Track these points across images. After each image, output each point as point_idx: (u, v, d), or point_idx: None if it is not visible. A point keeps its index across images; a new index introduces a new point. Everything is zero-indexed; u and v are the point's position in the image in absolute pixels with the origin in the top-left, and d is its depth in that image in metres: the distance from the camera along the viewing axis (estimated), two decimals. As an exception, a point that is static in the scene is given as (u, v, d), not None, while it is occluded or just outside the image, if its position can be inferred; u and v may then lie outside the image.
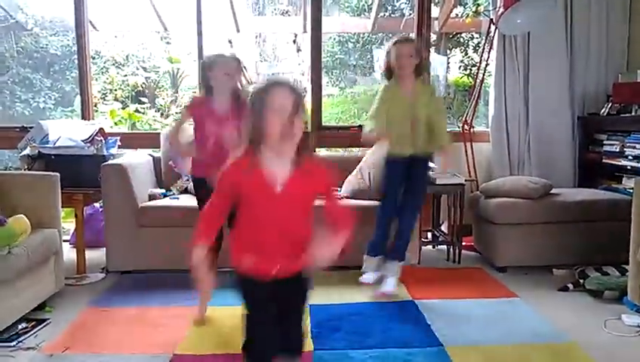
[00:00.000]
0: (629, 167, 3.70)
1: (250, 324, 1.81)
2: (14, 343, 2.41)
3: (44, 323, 2.63)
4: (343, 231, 1.68)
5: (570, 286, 3.14)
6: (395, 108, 2.99)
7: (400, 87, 3.01)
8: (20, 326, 2.56)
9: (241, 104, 2.60)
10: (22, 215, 2.57)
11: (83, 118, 4.31)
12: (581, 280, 3.14)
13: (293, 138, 1.57)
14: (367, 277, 3.14)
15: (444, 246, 3.92)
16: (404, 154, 3.00)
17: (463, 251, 3.81)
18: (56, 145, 3.54)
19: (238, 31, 6.47)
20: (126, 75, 7.54)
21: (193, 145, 2.68)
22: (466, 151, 4.18)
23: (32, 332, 2.53)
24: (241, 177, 1.61)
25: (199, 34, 4.33)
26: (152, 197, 3.54)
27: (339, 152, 4.93)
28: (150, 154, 3.94)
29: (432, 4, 4.46)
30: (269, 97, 1.55)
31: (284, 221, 1.65)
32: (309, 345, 2.41)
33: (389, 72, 3.06)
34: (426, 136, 3.01)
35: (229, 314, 2.78)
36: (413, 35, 4.36)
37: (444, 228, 4.11)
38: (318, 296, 3.02)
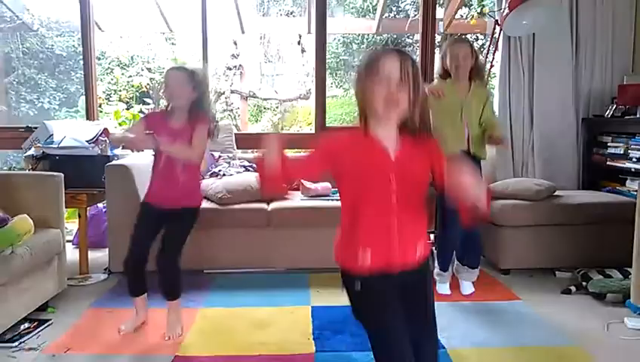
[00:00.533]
0: (633, 169, 3.69)
1: (382, 340, 1.50)
2: (17, 343, 2.42)
3: (47, 324, 2.64)
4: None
5: (573, 288, 3.13)
6: (449, 108, 2.98)
7: (455, 88, 3.00)
8: (22, 327, 2.57)
9: (195, 119, 2.50)
10: (25, 215, 2.58)
11: (87, 118, 4.33)
12: (584, 283, 3.13)
13: (398, 106, 1.43)
14: (443, 287, 3.15)
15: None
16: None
17: (467, 253, 3.80)
18: (61, 145, 3.55)
19: (242, 32, 6.48)
20: (131, 76, 7.56)
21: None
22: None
23: (34, 332, 2.54)
24: (347, 146, 1.47)
25: (204, 35, 4.34)
26: (155, 198, 3.54)
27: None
28: (154, 155, 3.94)
29: (437, 5, 4.46)
30: (374, 64, 1.44)
31: (402, 192, 1.45)
32: (311, 346, 2.41)
33: (445, 74, 3.05)
34: (478, 140, 3.02)
35: (230, 314, 2.78)
36: (418, 37, 4.35)
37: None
38: (321, 298, 3.02)
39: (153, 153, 2.60)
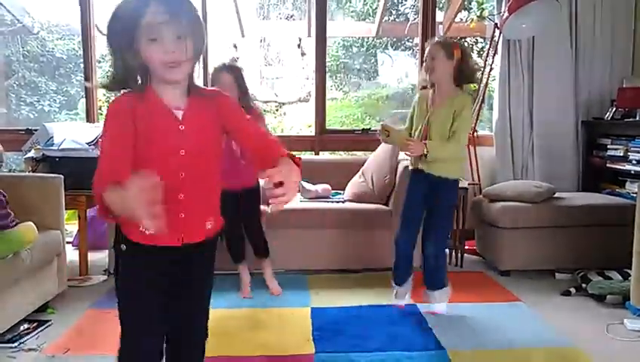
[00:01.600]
0: (632, 172, 3.69)
1: (132, 315, 1.53)
2: (16, 344, 2.42)
3: (46, 325, 2.64)
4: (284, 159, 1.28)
5: (573, 290, 3.13)
6: (417, 120, 2.75)
7: (431, 96, 2.71)
8: (22, 328, 2.57)
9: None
10: (31, 222, 2.57)
11: (88, 120, 4.34)
12: (584, 285, 3.13)
13: (181, 65, 1.31)
14: (399, 301, 2.90)
15: (447, 250, 3.90)
16: (420, 169, 2.73)
17: (466, 255, 3.81)
18: (61, 147, 3.55)
19: (243, 35, 6.49)
20: (131, 79, 7.56)
21: None
22: (469, 155, 4.18)
23: (33, 333, 2.54)
24: (135, 107, 1.33)
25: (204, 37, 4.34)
26: (155, 200, 3.54)
27: (342, 156, 4.93)
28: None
29: (437, 9, 4.47)
30: (140, 17, 1.27)
31: (190, 164, 1.35)
32: (310, 347, 2.41)
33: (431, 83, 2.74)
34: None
35: (230, 315, 2.78)
36: (418, 40, 4.36)
37: (447, 232, 4.10)
38: (320, 299, 3.02)
39: None
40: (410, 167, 2.85)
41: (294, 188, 1.22)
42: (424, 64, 2.69)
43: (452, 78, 2.65)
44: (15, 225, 2.46)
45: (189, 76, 1.38)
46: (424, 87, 2.80)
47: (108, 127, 1.34)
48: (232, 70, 2.77)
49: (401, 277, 2.86)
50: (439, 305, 2.83)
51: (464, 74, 2.65)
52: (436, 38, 2.71)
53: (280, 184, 1.21)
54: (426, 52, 2.68)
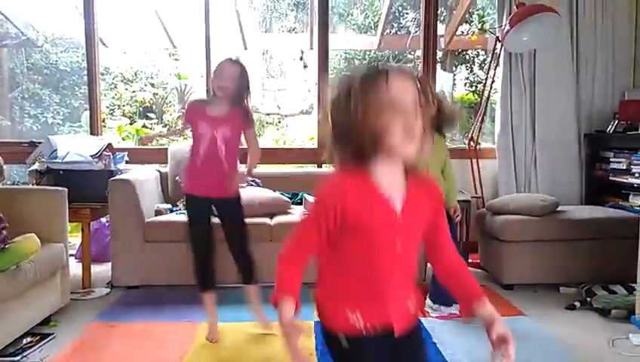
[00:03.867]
0: (635, 185, 3.69)
1: None
2: (19, 357, 2.41)
3: (49, 338, 2.63)
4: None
5: (578, 304, 3.12)
6: None
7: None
8: (24, 341, 2.56)
9: (236, 111, 2.62)
10: (33, 234, 2.58)
11: (91, 133, 4.35)
12: (588, 299, 3.11)
13: (417, 142, 1.15)
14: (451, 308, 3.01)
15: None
16: None
17: (470, 268, 3.79)
18: (65, 160, 3.57)
19: (245, 48, 6.53)
20: (134, 91, 7.61)
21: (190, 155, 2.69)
22: (472, 168, 4.18)
23: (36, 346, 2.53)
24: (350, 200, 1.15)
25: (207, 51, 4.38)
26: (158, 213, 3.55)
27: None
28: (157, 170, 3.96)
29: (438, 22, 4.50)
30: (384, 86, 1.12)
31: (405, 254, 1.22)
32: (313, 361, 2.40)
33: None
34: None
35: (233, 330, 2.77)
36: (420, 53, 4.38)
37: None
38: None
39: (192, 139, 2.68)
40: None
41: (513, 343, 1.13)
42: None
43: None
44: (7, 246, 2.43)
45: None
46: None
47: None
48: (237, 63, 2.69)
49: None
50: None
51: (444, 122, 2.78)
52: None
53: (504, 339, 1.14)
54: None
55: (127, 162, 3.88)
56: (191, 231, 2.67)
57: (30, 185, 3.52)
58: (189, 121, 2.67)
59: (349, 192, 1.16)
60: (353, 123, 1.13)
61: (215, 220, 2.71)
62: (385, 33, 6.57)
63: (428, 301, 3.07)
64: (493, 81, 4.28)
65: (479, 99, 4.14)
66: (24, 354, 2.45)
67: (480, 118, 4.28)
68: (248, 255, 2.71)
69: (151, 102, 7.65)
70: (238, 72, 2.62)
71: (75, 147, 3.70)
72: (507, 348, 1.12)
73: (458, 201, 3.59)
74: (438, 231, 1.29)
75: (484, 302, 1.22)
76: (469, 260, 3.80)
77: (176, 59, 8.01)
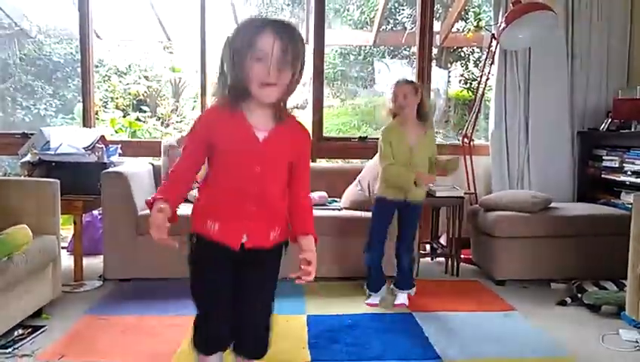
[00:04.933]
0: (628, 183, 3.71)
1: (202, 295, 1.64)
2: (10, 350, 2.39)
3: (41, 330, 2.62)
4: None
5: (569, 300, 3.14)
6: (398, 150, 2.94)
7: (404, 133, 2.95)
8: (16, 333, 2.55)
9: None
10: (24, 225, 2.56)
11: (84, 125, 4.33)
12: (579, 295, 3.13)
13: (277, 88, 1.44)
14: (373, 299, 3.12)
15: (443, 259, 3.92)
16: (398, 198, 2.98)
17: (462, 264, 3.82)
18: (57, 152, 3.54)
19: (240, 42, 6.50)
20: (128, 84, 7.57)
21: None
22: (465, 165, 4.19)
23: (28, 339, 2.52)
24: (220, 120, 1.48)
25: (202, 44, 4.36)
26: (151, 206, 3.53)
27: (339, 163, 4.94)
28: (151, 163, 3.95)
29: (434, 19, 4.50)
30: (252, 39, 1.39)
31: (263, 179, 1.51)
32: (306, 355, 2.41)
33: (393, 114, 3.02)
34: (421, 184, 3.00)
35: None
36: (415, 49, 4.39)
37: (442, 240, 4.11)
38: (317, 307, 3.02)
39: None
40: (390, 198, 3.00)
41: (315, 267, 1.58)
42: (397, 101, 2.94)
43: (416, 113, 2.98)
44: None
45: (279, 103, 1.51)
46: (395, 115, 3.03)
47: (193, 134, 1.55)
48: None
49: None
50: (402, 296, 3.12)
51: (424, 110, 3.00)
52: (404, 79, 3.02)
53: (308, 262, 1.57)
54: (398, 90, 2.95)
55: (120, 155, 3.87)
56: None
57: (22, 177, 3.49)
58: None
59: (220, 120, 1.48)
60: (229, 67, 1.44)
61: None
62: (381, 29, 6.56)
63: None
64: (487, 79, 4.29)
65: (474, 96, 4.15)
66: (15, 346, 2.43)
67: (474, 115, 4.29)
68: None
69: (145, 95, 7.60)
70: None
71: (67, 139, 3.68)
72: (308, 268, 1.57)
73: (451, 198, 3.64)
74: (295, 171, 1.59)
75: (308, 237, 1.61)
76: (462, 256, 3.81)
77: (170, 53, 7.96)
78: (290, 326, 2.75)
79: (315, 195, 3.68)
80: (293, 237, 1.64)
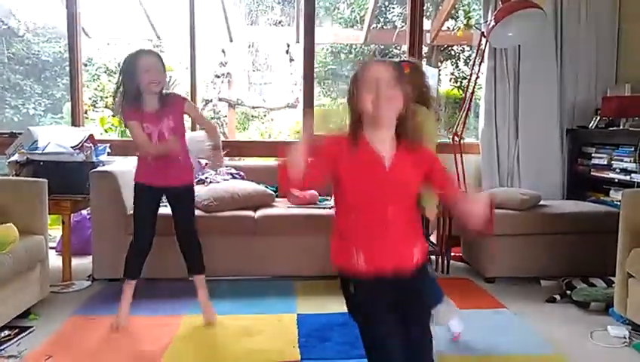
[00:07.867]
0: (616, 180, 3.73)
1: (374, 340, 1.53)
2: (-3, 351, 2.38)
3: (28, 331, 2.60)
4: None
5: (558, 297, 3.15)
6: None
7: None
8: (2, 334, 2.52)
9: (170, 101, 2.63)
10: (11, 224, 2.54)
11: (73, 124, 4.30)
12: (568, 292, 3.15)
13: (390, 112, 1.48)
14: None
15: (433, 257, 3.92)
16: None
17: (452, 261, 3.83)
18: (45, 151, 3.51)
19: (231, 40, 6.49)
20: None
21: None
22: (455, 163, 4.20)
23: (14, 339, 2.49)
24: (342, 152, 1.49)
25: (192, 42, 4.34)
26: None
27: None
28: (140, 162, 3.91)
29: (424, 17, 4.50)
30: (363, 71, 1.51)
31: (394, 203, 1.50)
32: (296, 354, 2.40)
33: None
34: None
35: (216, 322, 2.76)
36: (405, 48, 4.39)
37: (433, 238, 4.11)
38: (307, 305, 3.01)
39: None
40: None
41: None
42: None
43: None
44: None
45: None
46: None
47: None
48: (153, 52, 2.64)
49: None
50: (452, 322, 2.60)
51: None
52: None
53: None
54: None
55: (109, 154, 3.84)
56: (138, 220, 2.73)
57: (10, 176, 3.46)
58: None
59: (345, 146, 1.49)
60: (351, 101, 1.53)
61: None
62: (371, 27, 6.56)
63: None
64: (477, 77, 4.29)
65: (464, 95, 4.16)
66: (2, 347, 2.41)
67: (464, 114, 4.29)
68: (197, 243, 2.77)
69: (134, 94, 7.56)
70: (160, 62, 2.58)
71: (55, 138, 3.64)
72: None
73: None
74: (434, 174, 1.58)
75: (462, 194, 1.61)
76: (452, 253, 3.82)
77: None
78: (280, 325, 2.75)
79: (306, 194, 3.68)
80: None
